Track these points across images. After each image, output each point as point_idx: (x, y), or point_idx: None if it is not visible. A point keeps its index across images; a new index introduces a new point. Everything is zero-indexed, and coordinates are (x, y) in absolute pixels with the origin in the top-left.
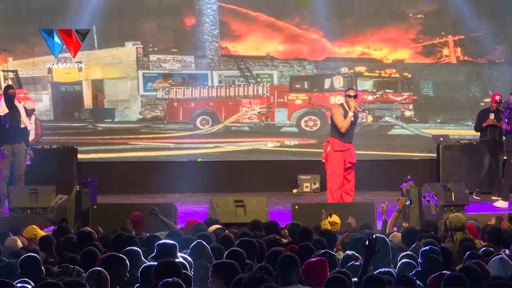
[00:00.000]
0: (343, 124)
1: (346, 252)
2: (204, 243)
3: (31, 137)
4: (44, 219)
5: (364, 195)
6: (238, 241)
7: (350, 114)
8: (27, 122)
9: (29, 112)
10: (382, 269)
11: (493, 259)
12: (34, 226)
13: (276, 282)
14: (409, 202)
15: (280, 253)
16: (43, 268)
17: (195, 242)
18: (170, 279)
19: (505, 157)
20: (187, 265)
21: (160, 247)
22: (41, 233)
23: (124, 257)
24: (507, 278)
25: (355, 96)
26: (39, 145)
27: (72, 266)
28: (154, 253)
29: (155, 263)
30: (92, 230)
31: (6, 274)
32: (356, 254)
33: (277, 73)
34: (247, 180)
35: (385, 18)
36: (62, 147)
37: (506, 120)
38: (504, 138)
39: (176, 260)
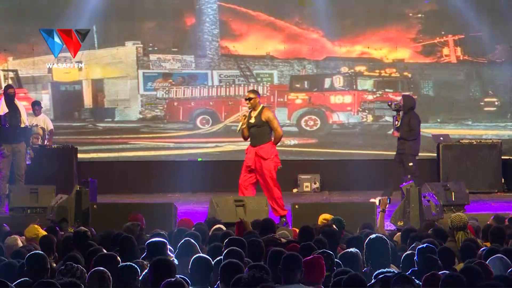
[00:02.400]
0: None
1: (347, 250)
2: (193, 241)
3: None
4: (44, 218)
5: (364, 195)
6: (227, 240)
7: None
8: (36, 122)
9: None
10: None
11: (490, 258)
12: (36, 226)
13: (276, 282)
14: (389, 201)
15: (282, 253)
16: (49, 266)
17: (183, 240)
18: (172, 279)
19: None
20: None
21: (149, 247)
22: (43, 232)
23: (114, 255)
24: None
25: (248, 99)
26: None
27: (76, 265)
28: (145, 254)
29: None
30: (87, 230)
31: (6, 273)
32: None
33: (277, 73)
34: None
35: (385, 18)
36: (62, 146)
37: (397, 123)
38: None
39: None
